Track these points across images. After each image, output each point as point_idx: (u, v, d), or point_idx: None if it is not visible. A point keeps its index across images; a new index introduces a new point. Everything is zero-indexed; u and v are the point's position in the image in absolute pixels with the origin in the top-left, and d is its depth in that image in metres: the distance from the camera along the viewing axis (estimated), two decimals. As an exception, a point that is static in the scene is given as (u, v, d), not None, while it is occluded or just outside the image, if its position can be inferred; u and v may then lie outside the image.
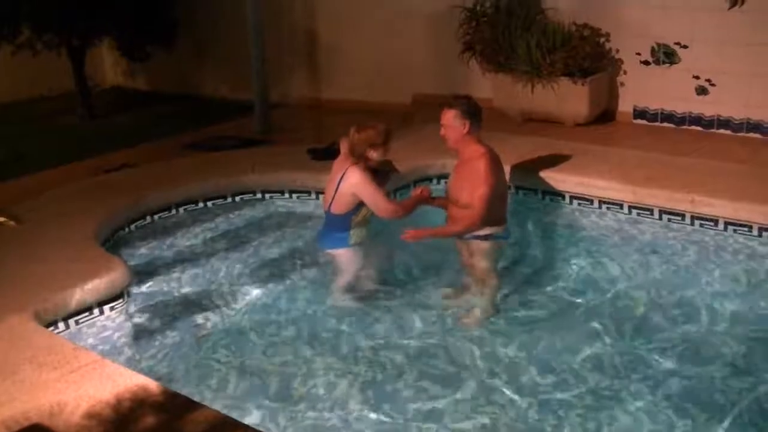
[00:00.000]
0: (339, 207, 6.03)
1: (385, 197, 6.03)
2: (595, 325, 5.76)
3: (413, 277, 6.56)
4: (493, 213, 5.87)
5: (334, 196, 6.03)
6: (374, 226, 6.25)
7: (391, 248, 6.59)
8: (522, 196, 7.15)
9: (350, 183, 5.94)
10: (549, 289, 6.37)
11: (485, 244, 5.98)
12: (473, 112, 5.90)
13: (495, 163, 5.90)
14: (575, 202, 6.93)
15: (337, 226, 6.09)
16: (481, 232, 5.93)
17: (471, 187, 5.81)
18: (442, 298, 6.31)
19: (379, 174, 6.16)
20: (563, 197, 7.01)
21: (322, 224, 6.29)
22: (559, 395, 5.00)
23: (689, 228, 6.49)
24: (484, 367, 5.33)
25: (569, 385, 5.10)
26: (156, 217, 6.96)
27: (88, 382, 4.00)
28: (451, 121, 5.87)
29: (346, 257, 6.19)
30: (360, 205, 6.00)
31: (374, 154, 5.97)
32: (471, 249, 6.06)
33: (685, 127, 9.28)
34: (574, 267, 6.57)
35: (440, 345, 5.61)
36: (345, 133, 6.04)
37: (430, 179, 7.44)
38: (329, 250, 6.28)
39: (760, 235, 6.21)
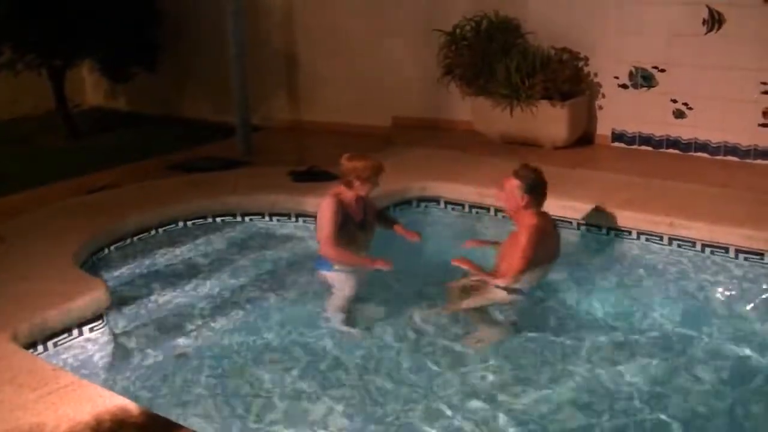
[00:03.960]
0: (317, 232, 6.07)
1: (330, 236, 5.90)
2: (571, 343, 5.79)
3: (405, 301, 6.47)
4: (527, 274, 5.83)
5: (315, 221, 6.12)
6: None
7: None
8: (501, 219, 7.20)
9: (319, 208, 6.00)
10: (526, 309, 6.38)
11: (506, 296, 5.93)
12: (536, 187, 5.80)
13: (539, 234, 5.77)
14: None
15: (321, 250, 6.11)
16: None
17: (510, 257, 5.78)
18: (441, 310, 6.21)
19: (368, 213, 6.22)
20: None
21: None
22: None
23: (667, 250, 6.56)
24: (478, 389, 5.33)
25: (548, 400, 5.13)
26: (136, 237, 6.98)
27: (67, 403, 3.99)
28: (511, 191, 5.79)
29: (331, 279, 6.19)
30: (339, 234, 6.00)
31: (359, 186, 5.98)
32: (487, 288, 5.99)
33: (662, 150, 9.36)
34: (552, 288, 6.59)
35: (429, 367, 5.59)
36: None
37: (409, 202, 7.48)
38: (318, 272, 6.28)
39: (736, 257, 6.28)
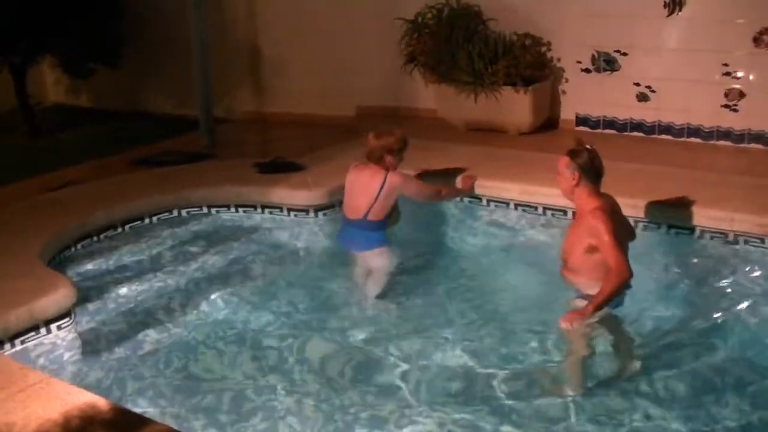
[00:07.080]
0: (378, 213, 6.32)
1: (425, 184, 6.72)
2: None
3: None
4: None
5: (373, 204, 6.27)
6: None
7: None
8: (468, 204, 7.21)
9: (394, 187, 6.28)
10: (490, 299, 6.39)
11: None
12: (588, 165, 5.35)
13: (611, 213, 5.36)
14: (519, 209, 7.00)
15: (374, 229, 6.35)
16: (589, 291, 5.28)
17: (582, 246, 5.34)
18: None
19: None
20: (508, 205, 7.08)
21: (350, 231, 6.47)
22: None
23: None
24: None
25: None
26: (103, 234, 6.91)
27: (36, 401, 3.96)
28: (562, 170, 5.43)
29: (386, 255, 6.44)
30: (393, 207, 6.38)
31: (390, 159, 6.34)
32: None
33: (627, 133, 9.41)
34: (517, 276, 6.62)
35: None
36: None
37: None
38: (366, 252, 6.45)
39: (701, 237, 6.33)
